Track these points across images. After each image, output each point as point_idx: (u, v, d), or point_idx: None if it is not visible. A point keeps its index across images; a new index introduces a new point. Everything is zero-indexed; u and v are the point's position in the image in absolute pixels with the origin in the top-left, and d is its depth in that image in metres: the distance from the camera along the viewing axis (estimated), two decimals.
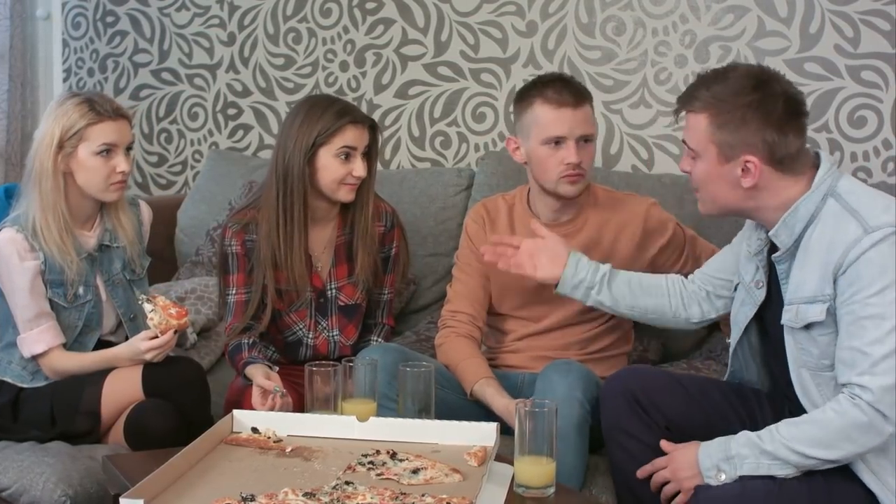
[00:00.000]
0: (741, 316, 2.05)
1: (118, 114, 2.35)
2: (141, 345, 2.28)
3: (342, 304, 2.55)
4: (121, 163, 2.34)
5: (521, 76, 3.29)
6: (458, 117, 3.40)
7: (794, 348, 1.91)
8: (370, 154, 2.49)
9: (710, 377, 2.34)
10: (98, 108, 2.32)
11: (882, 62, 2.81)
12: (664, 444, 1.98)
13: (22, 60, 3.93)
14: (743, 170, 1.89)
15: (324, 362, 2.11)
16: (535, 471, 1.80)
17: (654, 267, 2.43)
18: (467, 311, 2.43)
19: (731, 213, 1.99)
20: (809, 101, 2.86)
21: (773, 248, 1.97)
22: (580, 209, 2.44)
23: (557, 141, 2.32)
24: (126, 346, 2.34)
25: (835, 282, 1.83)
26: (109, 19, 3.96)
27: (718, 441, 1.89)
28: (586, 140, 2.35)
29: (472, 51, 3.37)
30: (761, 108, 1.87)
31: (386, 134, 3.50)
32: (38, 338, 2.33)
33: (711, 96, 1.90)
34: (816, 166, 1.92)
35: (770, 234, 1.94)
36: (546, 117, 2.32)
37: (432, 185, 3.17)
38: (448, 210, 3.13)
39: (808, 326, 1.87)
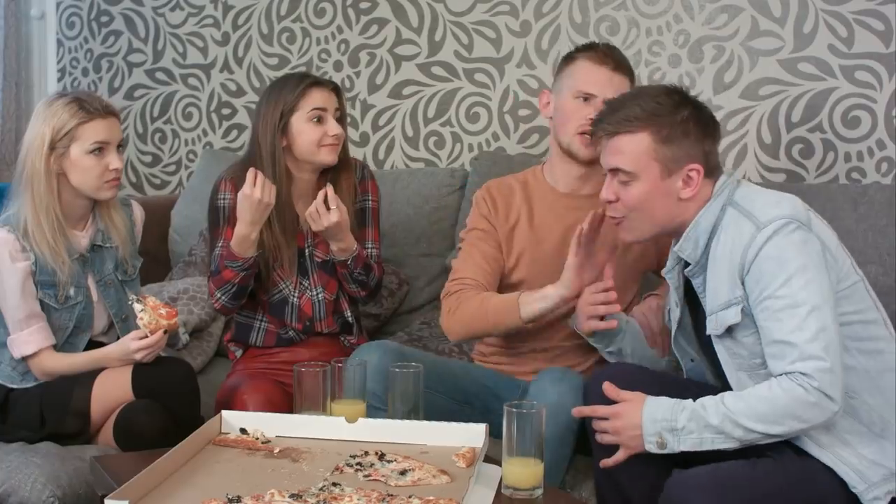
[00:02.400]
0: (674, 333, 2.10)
1: (108, 111, 2.35)
2: (131, 344, 2.28)
3: (319, 259, 2.55)
4: (114, 160, 2.34)
5: (514, 76, 3.28)
6: (451, 117, 3.40)
7: (726, 354, 1.95)
8: (341, 120, 2.52)
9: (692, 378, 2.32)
10: (88, 106, 2.32)
11: (876, 62, 2.81)
12: (607, 387, 1.94)
13: (16, 60, 3.93)
14: (684, 180, 1.92)
15: (313, 363, 2.11)
16: (523, 472, 1.79)
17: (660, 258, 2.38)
18: (475, 278, 2.33)
19: (662, 232, 2.00)
20: (803, 102, 2.89)
21: (686, 263, 2.00)
22: (600, 184, 2.34)
23: (587, 97, 2.29)
24: (116, 346, 2.33)
25: (743, 283, 1.86)
26: (104, 19, 3.96)
27: (666, 406, 1.88)
28: None
29: (465, 51, 3.36)
30: (698, 120, 1.93)
31: (380, 134, 3.50)
32: (29, 339, 2.32)
33: (649, 113, 1.92)
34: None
35: (675, 248, 1.98)
36: (582, 71, 2.31)
37: (425, 185, 3.16)
38: (441, 210, 3.12)
39: (729, 330, 1.91)
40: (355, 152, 3.53)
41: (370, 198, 2.61)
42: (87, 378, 2.31)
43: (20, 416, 2.33)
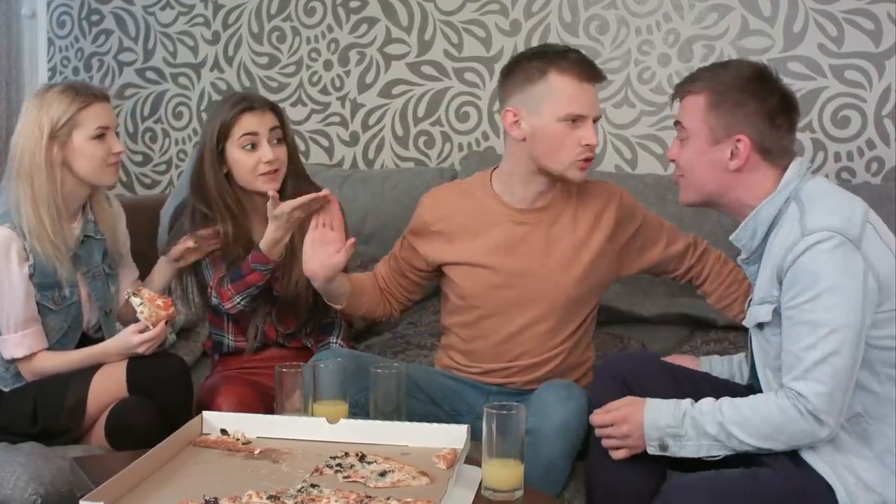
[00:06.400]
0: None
1: (103, 96, 2.34)
2: (132, 338, 2.26)
3: (276, 293, 2.50)
4: (115, 144, 2.32)
5: None
6: (441, 116, 3.39)
7: (758, 348, 1.92)
8: (286, 139, 2.43)
9: (703, 373, 2.30)
10: (85, 92, 2.30)
11: (866, 61, 2.80)
12: (594, 417, 1.93)
13: (7, 59, 3.92)
14: (732, 151, 1.89)
15: (294, 363, 2.09)
16: (503, 474, 1.77)
17: (642, 263, 2.31)
18: (382, 274, 2.36)
19: (711, 202, 1.96)
20: None
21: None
22: (555, 196, 2.24)
23: (576, 119, 2.11)
24: (115, 341, 2.30)
25: (780, 283, 1.82)
26: (94, 18, 3.95)
27: (667, 412, 1.86)
28: (595, 122, 2.16)
29: (455, 50, 3.35)
30: (758, 96, 1.88)
31: (369, 133, 3.49)
32: (21, 342, 2.29)
33: (713, 78, 1.92)
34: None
35: (731, 238, 1.94)
36: (566, 91, 2.10)
37: (415, 184, 3.15)
38: None
39: (760, 326, 1.88)
40: (345, 151, 3.52)
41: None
42: (83, 374, 2.28)
43: (11, 414, 2.30)
